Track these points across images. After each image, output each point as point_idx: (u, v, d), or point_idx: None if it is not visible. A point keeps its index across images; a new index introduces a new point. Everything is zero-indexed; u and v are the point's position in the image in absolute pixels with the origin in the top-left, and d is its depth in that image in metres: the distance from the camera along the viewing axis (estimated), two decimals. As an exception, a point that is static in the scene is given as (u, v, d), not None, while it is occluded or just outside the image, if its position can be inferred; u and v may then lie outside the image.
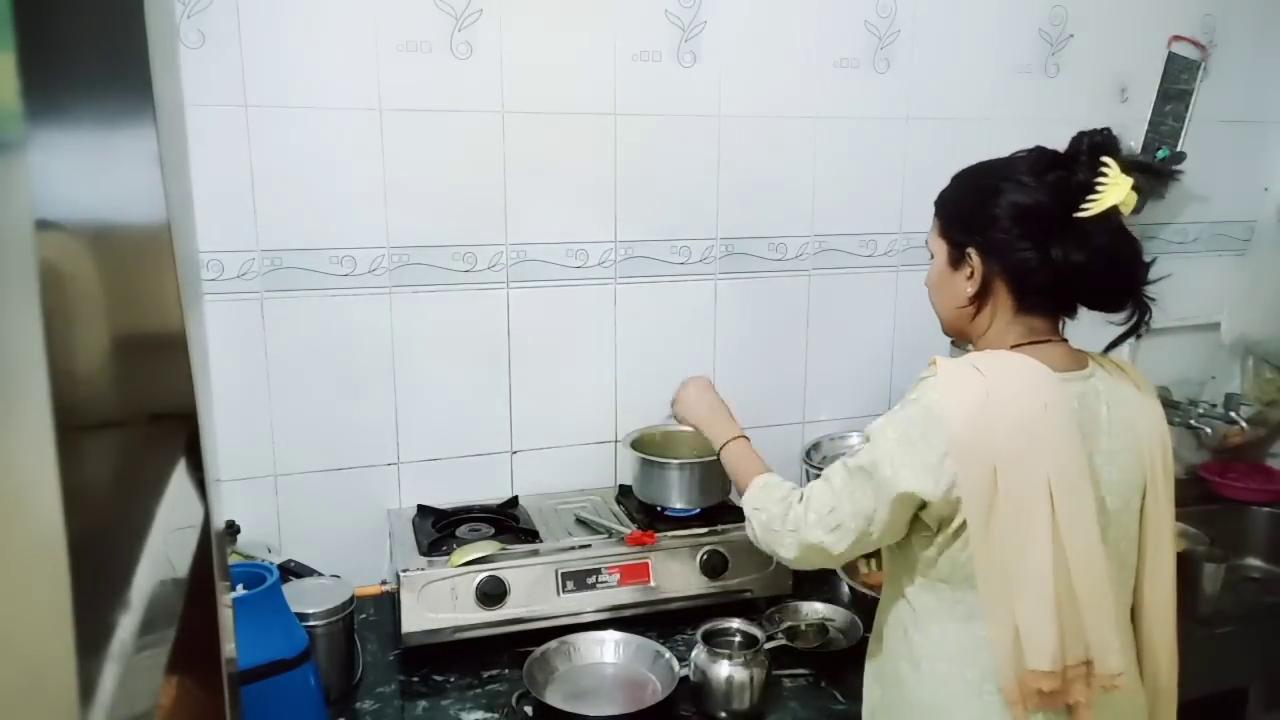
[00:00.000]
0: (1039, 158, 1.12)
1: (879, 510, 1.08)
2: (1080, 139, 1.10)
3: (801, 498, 1.17)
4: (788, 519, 1.17)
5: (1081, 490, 1.04)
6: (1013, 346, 1.12)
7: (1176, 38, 2.04)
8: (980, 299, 1.14)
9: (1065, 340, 1.15)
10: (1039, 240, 1.08)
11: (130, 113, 0.44)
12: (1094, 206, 1.06)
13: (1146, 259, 1.11)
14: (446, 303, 1.65)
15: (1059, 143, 1.12)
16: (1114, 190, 1.06)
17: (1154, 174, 1.19)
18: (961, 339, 1.21)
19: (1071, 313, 1.15)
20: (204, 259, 1.50)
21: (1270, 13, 2.12)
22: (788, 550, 1.17)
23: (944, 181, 1.21)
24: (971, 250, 1.13)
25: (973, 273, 1.13)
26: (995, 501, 1.02)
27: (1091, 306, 1.13)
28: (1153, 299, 1.11)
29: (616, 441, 1.78)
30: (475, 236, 1.65)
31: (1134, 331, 1.12)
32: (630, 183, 1.72)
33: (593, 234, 1.71)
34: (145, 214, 0.47)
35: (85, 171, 0.41)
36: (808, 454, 1.90)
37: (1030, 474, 1.03)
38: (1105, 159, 1.07)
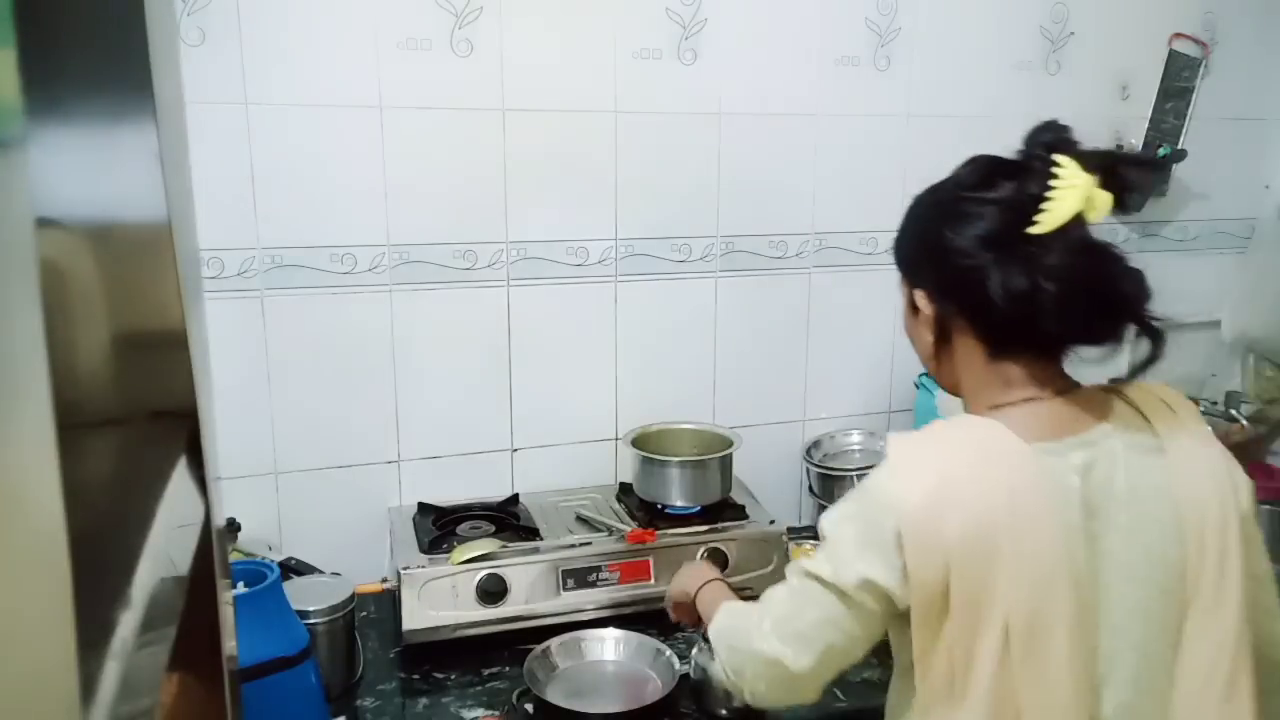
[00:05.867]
0: (982, 169, 0.94)
1: (839, 612, 0.91)
2: (1031, 137, 0.92)
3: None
4: (749, 634, 0.98)
5: (1055, 604, 0.84)
6: (992, 407, 0.93)
7: (1177, 35, 2.04)
8: (941, 347, 0.98)
9: (1068, 390, 0.93)
10: (990, 271, 0.88)
11: (131, 110, 0.44)
12: (1046, 218, 0.86)
13: (1132, 269, 0.88)
14: (447, 300, 1.65)
15: None
16: (1070, 195, 0.86)
17: (1138, 165, 1.00)
18: (953, 395, 1.02)
19: (1055, 354, 0.94)
20: (204, 257, 1.50)
21: (1271, 10, 2.12)
22: (749, 679, 0.98)
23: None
24: (920, 293, 0.98)
25: (929, 318, 0.97)
26: (944, 606, 0.86)
27: (1074, 342, 0.92)
28: (1158, 321, 0.87)
29: (617, 439, 1.78)
30: (475, 234, 1.65)
31: (1143, 368, 0.88)
32: (631, 180, 1.72)
33: (593, 232, 1.71)
34: (146, 212, 0.47)
35: (86, 169, 0.41)
36: (808, 452, 1.90)
37: (984, 584, 0.84)
38: (1057, 158, 0.88)
